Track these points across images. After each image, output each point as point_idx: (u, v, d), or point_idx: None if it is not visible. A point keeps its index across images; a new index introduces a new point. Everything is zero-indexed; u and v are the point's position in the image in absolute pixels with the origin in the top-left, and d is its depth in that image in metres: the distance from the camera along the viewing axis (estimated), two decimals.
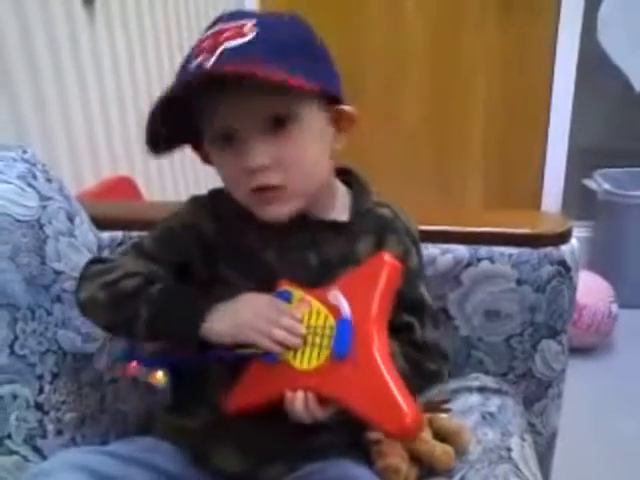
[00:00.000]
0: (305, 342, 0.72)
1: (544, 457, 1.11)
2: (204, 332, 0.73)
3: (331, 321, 0.72)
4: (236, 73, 0.66)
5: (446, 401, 0.95)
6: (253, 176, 0.73)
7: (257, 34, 0.69)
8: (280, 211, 0.76)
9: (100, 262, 0.84)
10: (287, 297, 0.76)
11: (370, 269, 0.74)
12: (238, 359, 0.74)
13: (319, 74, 0.74)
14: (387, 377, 0.66)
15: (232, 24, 0.71)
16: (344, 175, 0.86)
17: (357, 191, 0.85)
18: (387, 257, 0.73)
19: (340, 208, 0.83)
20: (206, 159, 0.81)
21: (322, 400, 0.70)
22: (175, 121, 0.74)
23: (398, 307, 0.74)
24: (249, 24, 0.70)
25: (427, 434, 0.86)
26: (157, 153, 0.76)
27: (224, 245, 0.81)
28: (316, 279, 0.77)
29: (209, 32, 0.72)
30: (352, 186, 0.85)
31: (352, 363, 0.68)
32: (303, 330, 0.72)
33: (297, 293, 0.76)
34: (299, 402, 0.70)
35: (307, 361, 0.71)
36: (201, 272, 0.82)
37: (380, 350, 0.68)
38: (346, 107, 0.78)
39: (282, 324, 0.72)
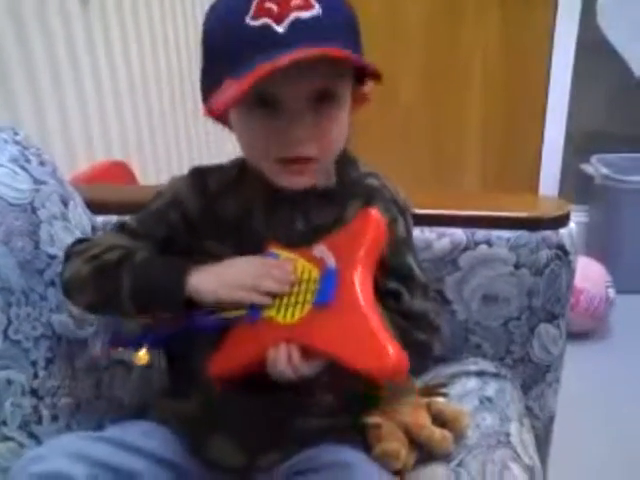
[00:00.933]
0: (290, 297, 0.71)
1: (541, 441, 1.11)
2: (190, 290, 0.72)
3: (315, 274, 0.71)
4: (320, 55, 0.65)
5: (443, 385, 0.95)
6: (289, 147, 0.72)
7: (322, 10, 0.68)
8: (306, 182, 0.76)
9: (83, 242, 0.84)
10: (274, 258, 0.76)
11: (356, 224, 0.74)
12: (222, 324, 0.73)
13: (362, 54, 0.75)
14: (369, 319, 0.65)
15: None
16: None
17: (344, 161, 0.84)
18: (373, 212, 0.73)
19: (327, 177, 0.83)
20: (213, 112, 0.74)
21: (307, 354, 0.68)
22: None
23: (386, 275, 0.74)
24: None
25: (425, 419, 0.86)
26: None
27: (209, 218, 0.81)
28: (303, 245, 0.76)
29: None
30: (339, 157, 0.83)
31: (335, 311, 0.68)
32: (292, 277, 0.72)
33: (284, 254, 0.76)
34: (281, 356, 0.68)
35: (290, 315, 0.70)
36: (186, 246, 0.81)
37: (364, 296, 0.67)
38: (367, 89, 0.79)
39: (272, 275, 0.72)
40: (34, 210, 0.89)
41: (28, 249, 0.86)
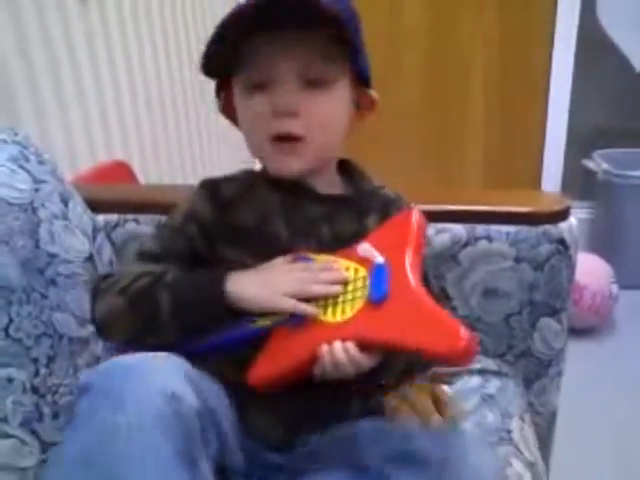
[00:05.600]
0: (336, 298, 0.71)
1: (544, 437, 1.11)
2: (231, 298, 0.73)
3: (363, 272, 0.72)
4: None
5: (451, 374, 0.96)
6: (279, 120, 0.76)
7: None
8: (294, 164, 0.79)
9: (107, 277, 0.85)
10: (308, 262, 0.76)
11: (398, 221, 0.75)
12: (262, 332, 0.73)
13: (363, 53, 0.80)
14: (432, 306, 0.66)
15: None
16: (342, 165, 0.89)
17: (356, 175, 0.88)
18: (415, 210, 0.75)
19: (341, 189, 0.86)
20: (224, 108, 0.86)
21: (363, 349, 0.67)
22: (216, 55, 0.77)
23: None
24: None
25: (428, 401, 0.86)
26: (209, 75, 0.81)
27: (225, 226, 0.82)
28: (328, 252, 0.77)
29: None
30: (350, 173, 0.88)
31: (391, 303, 0.67)
32: (345, 275, 0.72)
33: (319, 257, 0.76)
34: (339, 351, 0.67)
35: (341, 313, 0.69)
36: (207, 257, 0.82)
37: (418, 285, 0.68)
38: (372, 91, 0.84)
39: (320, 279, 0.72)
40: (34, 209, 0.89)
41: (28, 248, 0.86)
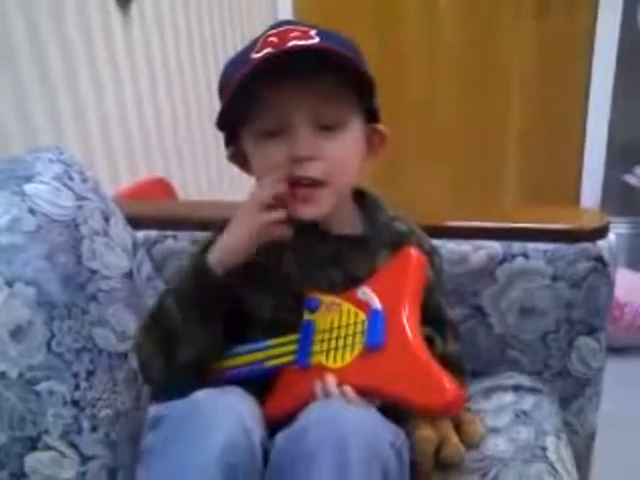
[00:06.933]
0: (337, 341, 0.73)
1: (582, 458, 1.09)
2: (214, 258, 0.78)
3: (362, 316, 0.73)
4: (318, 47, 0.73)
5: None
6: (297, 165, 0.76)
7: (321, 40, 0.74)
8: (312, 211, 0.79)
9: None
10: (316, 304, 0.78)
11: (397, 264, 0.76)
12: (272, 371, 0.76)
13: (373, 88, 0.79)
14: (423, 357, 0.67)
15: (298, 27, 0.76)
16: (358, 196, 0.90)
17: (372, 207, 0.88)
18: (412, 251, 0.76)
19: (354, 225, 0.87)
20: (234, 157, 0.86)
21: (360, 394, 0.70)
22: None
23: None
24: (313, 31, 0.75)
25: (448, 422, 0.85)
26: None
27: (239, 268, 0.82)
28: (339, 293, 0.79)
29: (274, 31, 0.77)
30: (366, 204, 0.89)
31: (386, 351, 0.69)
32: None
33: (326, 298, 0.78)
34: (333, 391, 0.69)
35: (341, 359, 0.72)
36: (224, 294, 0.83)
37: (414, 335, 0.69)
38: (381, 127, 0.84)
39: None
40: (77, 226, 0.91)
41: (71, 264, 0.88)
